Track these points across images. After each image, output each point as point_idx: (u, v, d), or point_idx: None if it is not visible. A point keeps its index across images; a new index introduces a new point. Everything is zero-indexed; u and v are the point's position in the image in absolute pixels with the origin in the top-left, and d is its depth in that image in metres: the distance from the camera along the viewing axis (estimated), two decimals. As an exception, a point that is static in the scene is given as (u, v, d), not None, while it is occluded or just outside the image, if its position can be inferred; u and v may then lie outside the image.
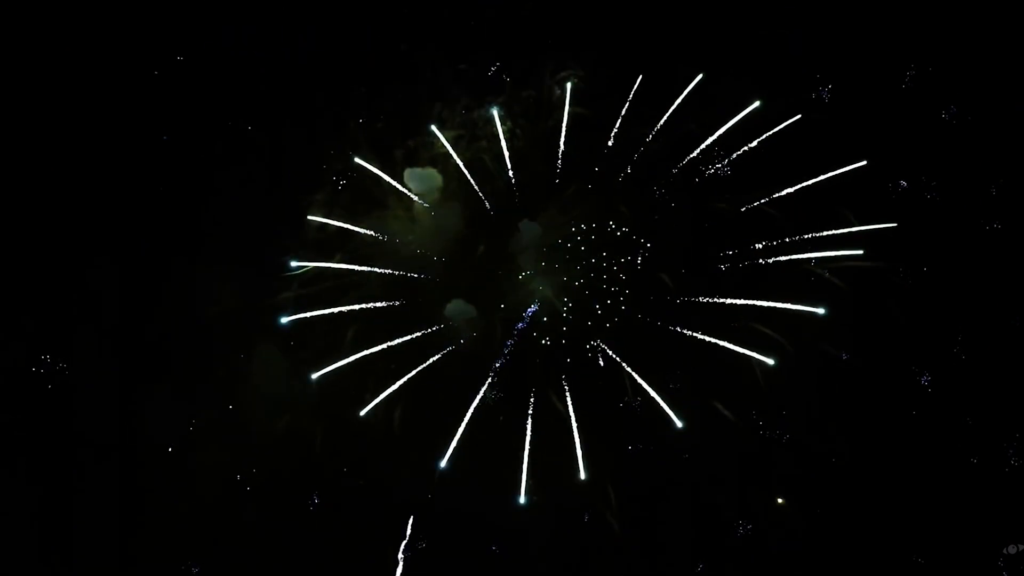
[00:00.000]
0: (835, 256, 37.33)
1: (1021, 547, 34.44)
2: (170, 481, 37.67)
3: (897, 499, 35.87)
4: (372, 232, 39.53)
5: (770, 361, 35.85)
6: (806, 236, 37.92)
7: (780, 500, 36.26)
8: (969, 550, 35.14)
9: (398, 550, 36.48)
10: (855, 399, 36.71)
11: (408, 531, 36.61)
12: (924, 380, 36.96)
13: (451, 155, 39.83)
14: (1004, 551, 34.58)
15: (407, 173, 39.67)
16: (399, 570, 36.28)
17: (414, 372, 37.59)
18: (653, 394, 36.39)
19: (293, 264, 39.04)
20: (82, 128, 40.35)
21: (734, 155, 39.36)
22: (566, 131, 40.04)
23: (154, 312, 39.55)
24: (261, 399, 38.20)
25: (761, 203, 38.66)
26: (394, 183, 39.81)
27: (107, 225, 40.10)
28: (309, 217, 39.31)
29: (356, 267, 39.01)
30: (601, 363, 37.99)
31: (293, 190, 40.02)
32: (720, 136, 39.18)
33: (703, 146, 39.31)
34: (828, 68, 40.27)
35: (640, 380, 36.73)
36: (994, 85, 39.51)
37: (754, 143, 38.84)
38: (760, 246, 38.44)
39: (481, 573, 37.10)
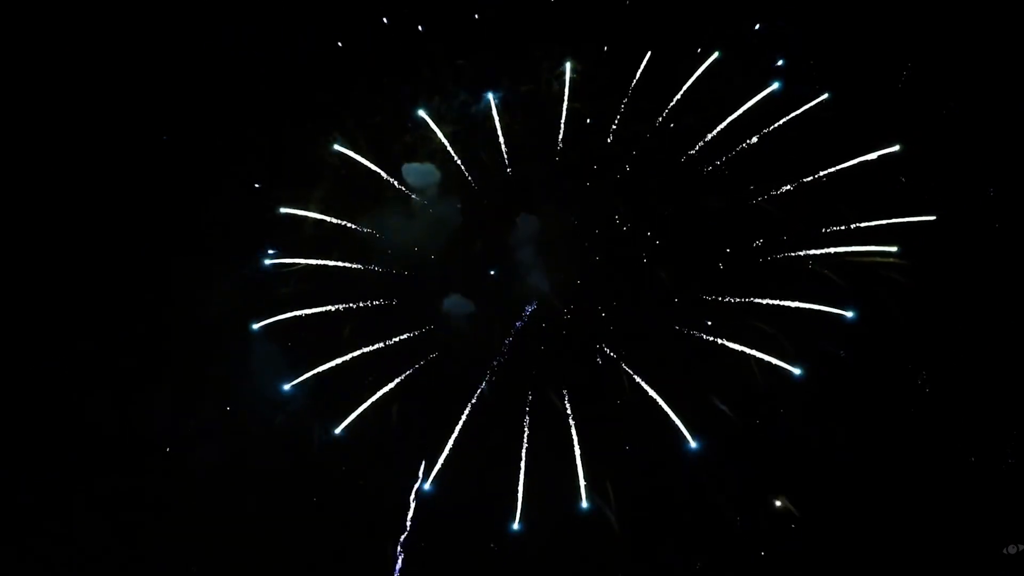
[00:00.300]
0: (868, 251, 36.28)
1: (1021, 547, 34.12)
2: (169, 481, 37.69)
3: (897, 499, 35.60)
4: (369, 228, 39.49)
5: (796, 371, 35.62)
6: (835, 230, 37.12)
7: (779, 501, 36.17)
8: (969, 550, 34.79)
9: (397, 547, 36.45)
10: (854, 398, 36.42)
11: (407, 526, 36.64)
12: (923, 380, 36.71)
13: (448, 150, 39.74)
14: (1004, 551, 34.25)
15: (405, 168, 39.61)
16: (398, 566, 36.32)
17: (411, 371, 37.69)
18: (669, 412, 36.11)
19: (267, 263, 39.09)
20: (81, 129, 40.29)
21: (744, 143, 38.44)
22: (565, 125, 39.81)
23: (153, 312, 39.50)
24: (259, 398, 38.24)
25: (775, 195, 37.95)
26: (392, 180, 39.78)
27: (106, 225, 39.95)
28: (283, 210, 39.26)
29: (351, 264, 39.05)
30: (600, 361, 37.93)
31: (293, 188, 39.81)
32: (726, 129, 38.52)
33: (719, 128, 38.50)
34: (828, 63, 39.48)
35: (655, 395, 36.47)
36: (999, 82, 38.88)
37: (747, 140, 38.21)
38: (770, 243, 37.79)
39: (480, 570, 37.14)
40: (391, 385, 37.44)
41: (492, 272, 39.18)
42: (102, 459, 37.70)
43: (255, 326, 38.52)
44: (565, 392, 36.83)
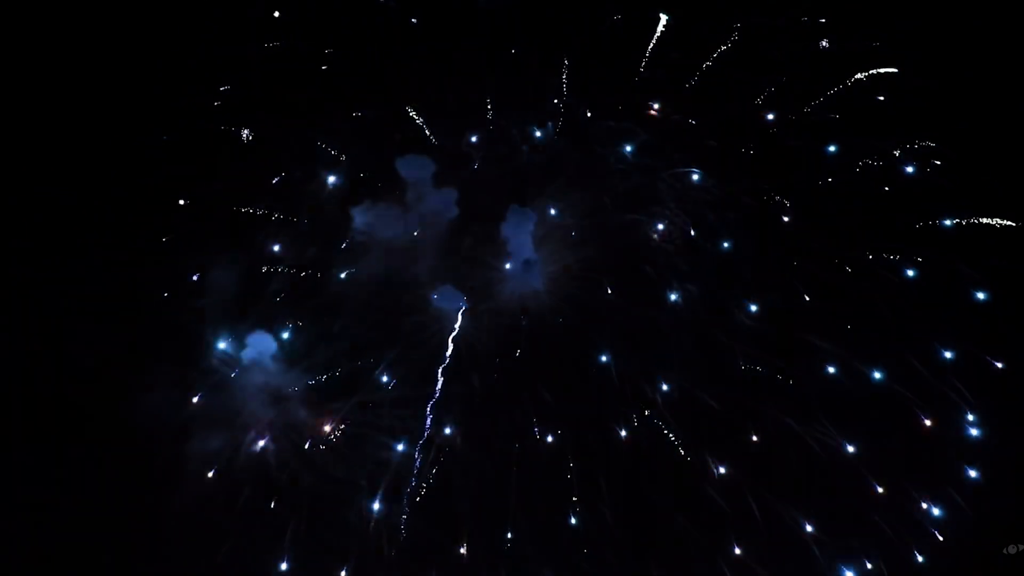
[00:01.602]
0: None
1: (1021, 547, 33.75)
2: (163, 473, 37.34)
3: (896, 498, 35.10)
4: (362, 222, 38.78)
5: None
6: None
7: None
8: (969, 550, 34.50)
9: (391, 538, 36.19)
10: (851, 394, 35.54)
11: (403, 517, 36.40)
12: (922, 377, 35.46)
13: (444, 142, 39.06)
14: (1004, 551, 33.90)
15: (399, 161, 38.74)
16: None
17: (402, 364, 37.30)
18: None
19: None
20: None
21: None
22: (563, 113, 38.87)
23: (147, 301, 39.11)
24: (253, 389, 37.77)
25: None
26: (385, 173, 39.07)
27: (101, 214, 39.45)
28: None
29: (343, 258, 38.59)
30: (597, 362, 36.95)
31: (288, 180, 39.35)
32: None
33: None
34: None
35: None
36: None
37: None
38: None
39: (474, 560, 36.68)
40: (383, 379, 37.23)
41: (463, 300, 38.13)
42: (93, 450, 37.54)
43: (256, 313, 38.29)
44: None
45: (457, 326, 37.51)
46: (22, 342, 38.26)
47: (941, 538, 34.38)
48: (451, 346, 37.10)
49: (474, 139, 39.07)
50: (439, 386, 36.77)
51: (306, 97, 39.30)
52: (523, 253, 38.15)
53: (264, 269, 38.67)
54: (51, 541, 36.53)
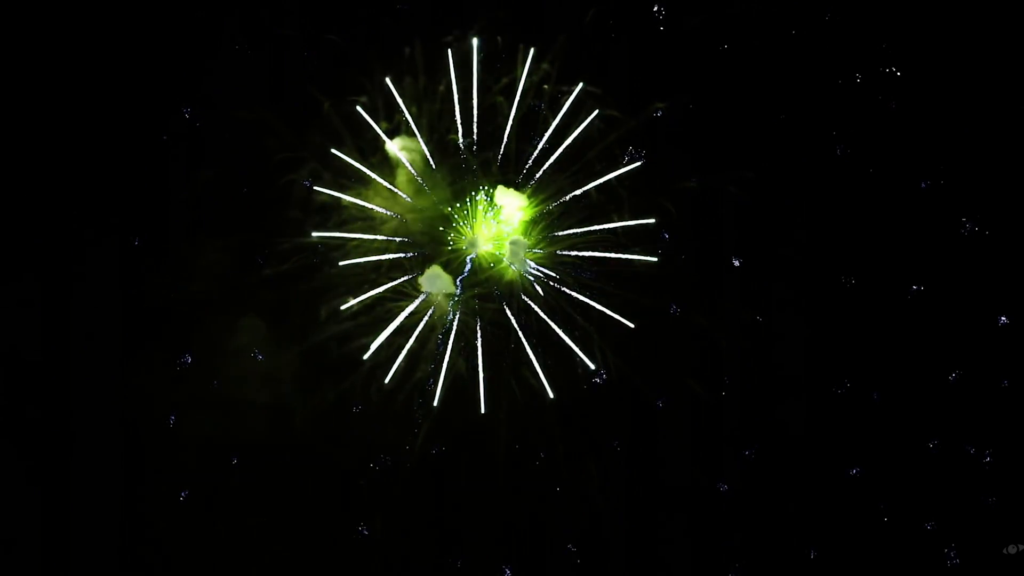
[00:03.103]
0: None
1: (1021, 547, 33.65)
2: (158, 461, 37.72)
3: (895, 498, 35.24)
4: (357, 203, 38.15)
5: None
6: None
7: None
8: (969, 550, 34.47)
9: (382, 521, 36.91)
10: (850, 396, 35.54)
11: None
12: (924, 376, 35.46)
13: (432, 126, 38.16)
14: (1004, 551, 33.82)
15: (387, 144, 38.02)
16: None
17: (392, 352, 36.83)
18: None
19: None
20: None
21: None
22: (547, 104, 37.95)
23: (140, 287, 38.91)
24: (246, 373, 37.88)
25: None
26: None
27: (93, 201, 39.19)
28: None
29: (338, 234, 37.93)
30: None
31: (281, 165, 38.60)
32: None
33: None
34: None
35: None
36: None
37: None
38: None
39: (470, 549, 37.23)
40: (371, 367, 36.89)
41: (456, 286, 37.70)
42: (88, 442, 37.60)
43: (248, 297, 38.30)
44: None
45: (449, 316, 37.24)
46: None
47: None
48: (440, 339, 36.96)
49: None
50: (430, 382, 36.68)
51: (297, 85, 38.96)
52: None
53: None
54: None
